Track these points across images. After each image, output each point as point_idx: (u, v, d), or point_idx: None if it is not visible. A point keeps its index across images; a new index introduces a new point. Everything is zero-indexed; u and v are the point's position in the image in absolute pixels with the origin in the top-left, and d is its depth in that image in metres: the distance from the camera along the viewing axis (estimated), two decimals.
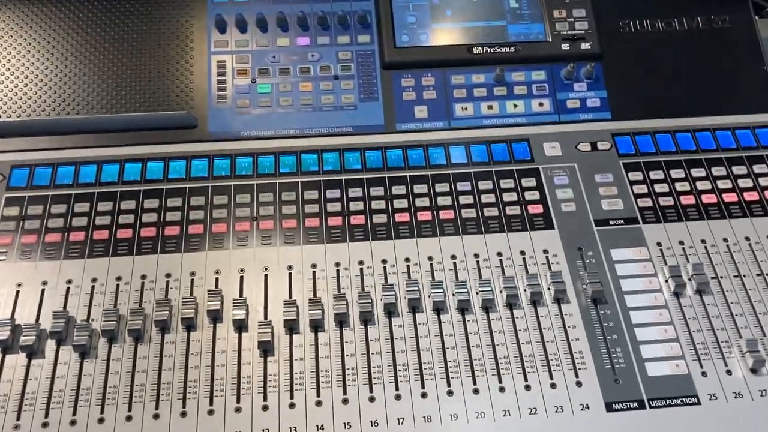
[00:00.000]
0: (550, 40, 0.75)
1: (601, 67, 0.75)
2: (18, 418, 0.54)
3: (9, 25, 0.73)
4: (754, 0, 0.99)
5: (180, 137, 0.70)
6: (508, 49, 0.74)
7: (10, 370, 0.56)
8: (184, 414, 0.55)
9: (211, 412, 0.55)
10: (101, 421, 0.54)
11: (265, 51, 0.74)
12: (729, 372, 0.58)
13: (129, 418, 0.54)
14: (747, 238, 0.65)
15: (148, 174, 0.68)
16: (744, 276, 0.63)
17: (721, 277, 0.63)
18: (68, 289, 0.61)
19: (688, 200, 0.67)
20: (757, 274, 0.63)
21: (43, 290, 0.61)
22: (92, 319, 0.59)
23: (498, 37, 0.75)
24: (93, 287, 0.61)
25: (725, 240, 0.65)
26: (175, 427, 0.54)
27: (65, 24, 0.73)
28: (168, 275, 0.62)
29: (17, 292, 0.61)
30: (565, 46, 0.75)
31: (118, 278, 0.61)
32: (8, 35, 0.73)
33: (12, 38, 0.73)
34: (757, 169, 0.70)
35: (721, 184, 0.69)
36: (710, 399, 0.56)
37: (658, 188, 0.68)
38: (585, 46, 0.75)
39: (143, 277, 0.61)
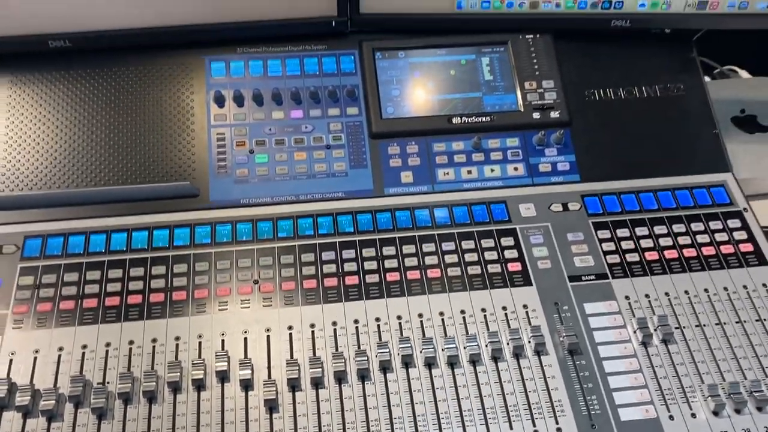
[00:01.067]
0: (522, 110, 0.82)
1: (569, 134, 0.82)
2: None
3: (20, 103, 0.78)
4: (705, 62, 1.08)
5: (183, 206, 0.75)
6: (484, 119, 0.81)
7: None
8: None
9: None
10: None
11: (262, 123, 0.80)
12: (693, 415, 0.64)
13: None
14: (706, 290, 0.72)
15: (155, 242, 0.72)
16: (704, 325, 0.69)
17: (684, 327, 0.69)
18: (83, 354, 0.65)
19: (652, 256, 0.74)
20: (716, 324, 0.69)
21: (59, 356, 0.65)
22: (108, 382, 0.63)
23: (474, 107, 0.82)
24: (107, 351, 0.65)
25: (686, 292, 0.72)
26: None
27: (74, 101, 0.78)
28: (177, 338, 0.66)
29: (35, 358, 0.65)
30: (536, 115, 0.82)
31: (131, 342, 0.66)
32: (20, 112, 0.78)
33: (23, 115, 0.78)
34: (713, 225, 0.77)
35: (681, 240, 0.75)
36: None
37: (625, 245, 0.75)
38: (554, 114, 0.82)
39: (154, 340, 0.66)
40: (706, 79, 1.05)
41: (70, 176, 0.76)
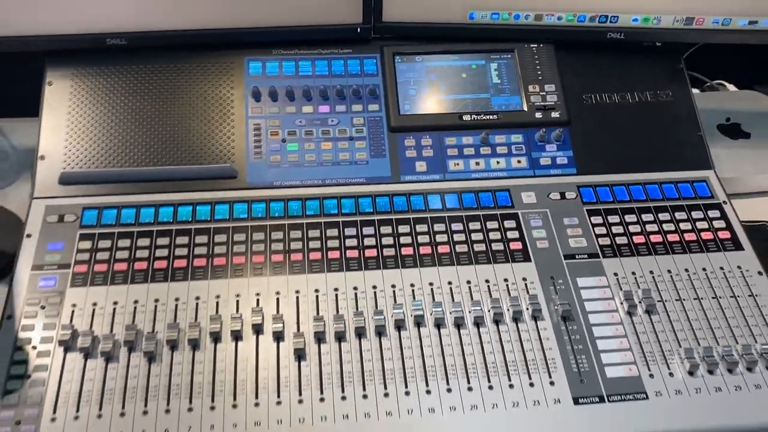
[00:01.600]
0: (526, 110, 0.91)
1: (568, 132, 0.91)
2: (100, 409, 0.67)
3: (81, 94, 0.88)
4: (697, 76, 1.18)
5: (223, 186, 0.85)
6: (491, 117, 0.91)
7: (92, 372, 0.69)
8: (234, 406, 0.67)
9: (257, 404, 0.68)
10: (167, 411, 0.67)
11: (293, 116, 0.90)
12: (671, 374, 0.72)
13: (190, 410, 0.67)
14: (686, 270, 0.80)
15: (198, 216, 0.82)
16: (684, 300, 0.78)
17: (666, 301, 0.78)
18: (135, 308, 0.74)
19: (639, 239, 0.83)
20: (694, 298, 0.78)
21: (114, 309, 0.74)
22: (156, 332, 0.72)
23: (483, 107, 0.91)
24: (156, 306, 0.74)
25: (669, 271, 0.80)
26: (228, 416, 0.67)
27: (128, 93, 0.89)
28: (218, 296, 0.75)
29: (93, 310, 0.74)
30: (538, 115, 0.91)
31: (176, 299, 0.75)
32: (80, 102, 0.88)
33: (83, 104, 0.88)
34: (695, 215, 0.85)
35: (666, 227, 0.84)
36: (656, 395, 0.70)
37: (615, 230, 0.83)
38: (554, 114, 0.91)
39: (197, 298, 0.75)
40: (696, 91, 1.16)
41: (123, 157, 0.85)
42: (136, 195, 0.83)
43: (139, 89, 0.89)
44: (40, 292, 0.75)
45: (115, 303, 0.74)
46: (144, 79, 0.90)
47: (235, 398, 0.68)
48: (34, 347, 0.70)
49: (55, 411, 0.66)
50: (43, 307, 0.73)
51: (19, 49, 0.90)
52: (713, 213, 0.86)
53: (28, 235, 0.79)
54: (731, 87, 1.19)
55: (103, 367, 0.70)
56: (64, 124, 0.87)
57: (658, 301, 0.77)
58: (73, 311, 0.73)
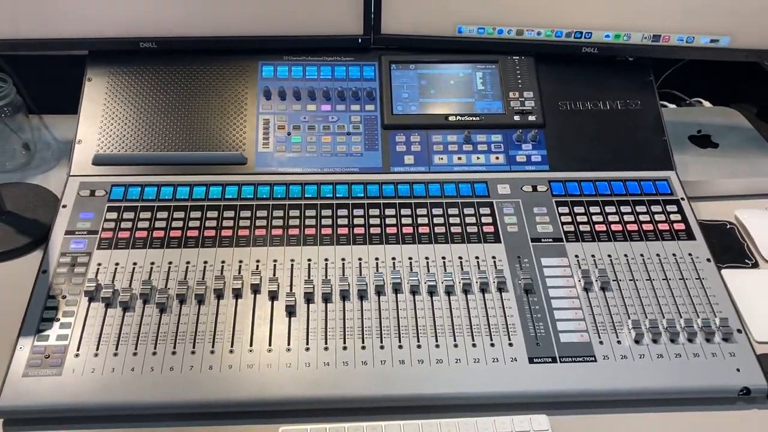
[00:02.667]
0: (506, 113, 1.02)
1: (543, 134, 1.01)
2: (116, 349, 0.78)
3: (115, 90, 1.01)
4: (676, 94, 1.28)
5: (234, 170, 0.96)
6: (474, 119, 1.01)
7: (111, 319, 0.80)
8: (231, 351, 0.78)
9: (251, 351, 0.78)
10: (173, 353, 0.78)
11: (298, 113, 1.01)
12: (619, 342, 0.81)
13: (193, 353, 0.77)
14: (641, 255, 0.89)
15: (210, 195, 0.93)
16: (637, 280, 0.87)
17: (620, 281, 0.86)
18: (151, 268, 0.85)
19: (600, 228, 0.92)
20: (646, 279, 0.87)
21: (133, 268, 0.85)
22: (168, 288, 0.83)
23: (468, 109, 1.02)
24: (169, 267, 0.85)
25: (625, 255, 0.89)
26: (225, 359, 0.77)
27: (156, 89, 1.01)
28: (223, 262, 0.86)
29: (115, 269, 0.85)
30: (516, 118, 1.02)
31: (188, 263, 0.86)
32: (114, 96, 1.01)
33: (117, 99, 1.01)
34: (654, 208, 0.94)
35: (626, 218, 0.93)
36: (604, 359, 0.79)
37: (579, 219, 0.93)
38: (531, 118, 1.02)
39: (205, 262, 0.86)
40: (673, 106, 1.26)
41: (149, 143, 0.98)
42: (157, 176, 0.95)
43: (165, 86, 1.02)
44: (71, 253, 0.86)
45: (134, 264, 0.86)
46: (170, 78, 1.02)
47: (232, 345, 0.78)
48: (64, 296, 0.82)
49: (78, 348, 0.78)
50: (73, 265, 0.85)
51: (64, 49, 1.04)
52: (671, 208, 0.95)
53: (64, 206, 0.91)
54: (707, 104, 1.29)
55: (121, 315, 0.81)
56: (99, 114, 1.00)
57: (613, 280, 0.86)
58: (98, 269, 0.85)
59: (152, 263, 0.86)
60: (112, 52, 1.03)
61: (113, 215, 0.91)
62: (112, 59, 1.03)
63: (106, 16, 1.00)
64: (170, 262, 0.86)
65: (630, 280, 0.87)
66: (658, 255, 0.89)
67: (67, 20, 1.00)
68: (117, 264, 0.86)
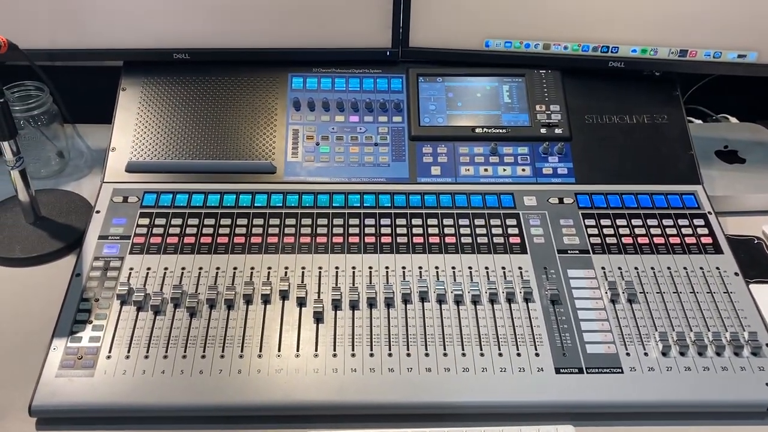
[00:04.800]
0: (532, 126, 1.03)
1: (569, 146, 1.02)
2: (147, 351, 0.79)
3: (149, 99, 1.04)
4: (702, 110, 1.28)
5: (263, 179, 0.98)
6: (501, 131, 1.02)
7: (142, 322, 0.82)
8: (260, 356, 0.79)
9: (279, 356, 0.79)
10: (203, 357, 0.79)
11: (327, 124, 1.03)
12: (646, 354, 0.80)
13: (222, 357, 0.78)
14: (668, 268, 0.89)
15: (240, 203, 0.95)
16: (664, 293, 0.86)
17: (647, 293, 0.86)
18: (182, 273, 0.87)
19: (627, 240, 0.92)
20: (674, 292, 0.86)
21: (164, 273, 0.87)
22: (199, 293, 0.85)
23: (494, 122, 1.03)
24: (200, 273, 0.87)
25: (652, 268, 0.89)
26: (254, 363, 0.78)
27: (189, 99, 1.04)
28: (252, 268, 0.87)
29: (147, 273, 0.87)
30: (543, 130, 1.02)
31: (217, 268, 0.87)
32: (148, 105, 1.03)
33: (151, 107, 1.03)
34: (681, 222, 0.94)
35: (653, 231, 0.93)
36: (630, 370, 0.79)
37: (606, 231, 0.93)
38: (558, 130, 1.03)
39: (235, 268, 0.87)
40: (700, 122, 1.26)
41: (181, 151, 1.00)
42: (189, 183, 0.97)
43: (198, 96, 1.04)
44: (104, 257, 0.88)
45: (166, 269, 0.87)
46: (203, 88, 1.05)
47: (260, 350, 0.79)
48: (97, 299, 0.84)
49: (110, 350, 0.79)
50: (105, 269, 0.87)
51: (99, 60, 1.07)
52: (698, 222, 0.95)
53: (97, 212, 0.94)
54: (733, 119, 1.28)
55: (152, 318, 0.82)
56: (133, 123, 1.02)
57: (640, 292, 0.86)
58: (130, 273, 0.87)
59: (183, 268, 0.87)
60: (147, 62, 1.06)
61: (145, 221, 0.92)
62: (146, 70, 1.06)
63: (140, 28, 1.02)
64: (200, 268, 0.87)
65: (657, 292, 0.87)
66: (685, 268, 0.89)
67: (103, 31, 1.03)
68: (149, 269, 0.87)
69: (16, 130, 0.91)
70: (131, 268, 0.87)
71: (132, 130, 1.01)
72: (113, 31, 1.03)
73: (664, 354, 0.80)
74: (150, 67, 1.06)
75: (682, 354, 0.80)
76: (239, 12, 1.02)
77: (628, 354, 0.80)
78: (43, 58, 1.04)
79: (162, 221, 0.93)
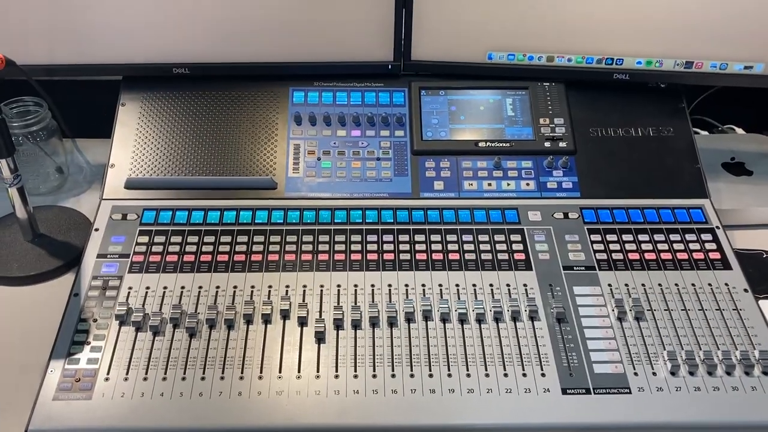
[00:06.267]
0: (536, 140, 1.01)
1: (574, 160, 1.01)
2: (146, 373, 0.78)
3: (148, 114, 1.03)
4: (708, 121, 1.26)
5: (264, 195, 0.97)
6: (504, 145, 1.01)
7: (141, 343, 0.80)
8: (260, 377, 0.77)
9: (280, 377, 0.77)
10: (203, 378, 0.77)
11: (328, 138, 1.02)
12: (654, 373, 0.79)
13: (222, 378, 0.77)
14: (676, 284, 0.87)
15: (240, 219, 0.94)
16: (672, 310, 0.85)
17: (655, 310, 0.85)
18: (182, 292, 0.85)
19: (634, 256, 0.91)
20: (682, 309, 0.85)
21: (164, 292, 0.85)
22: (198, 313, 0.83)
23: (498, 135, 1.02)
24: (199, 292, 0.85)
25: (659, 285, 0.87)
26: (254, 385, 0.76)
27: (189, 114, 1.03)
28: (252, 287, 0.86)
29: (146, 292, 0.85)
30: (547, 144, 1.01)
31: (217, 287, 0.86)
32: (148, 120, 1.02)
33: (150, 123, 1.02)
34: (688, 237, 0.93)
35: (660, 246, 0.92)
36: (639, 391, 0.77)
37: (612, 247, 0.91)
38: (562, 144, 1.01)
39: (235, 287, 0.86)
40: (705, 133, 1.24)
41: (180, 167, 0.99)
42: (188, 200, 0.96)
43: (198, 111, 1.03)
44: (102, 276, 0.87)
45: (165, 288, 0.86)
46: (203, 103, 1.04)
47: (261, 371, 0.78)
48: (95, 320, 0.82)
49: (108, 372, 0.78)
50: (104, 288, 0.86)
51: (98, 75, 1.06)
52: (706, 236, 0.93)
53: (96, 229, 0.92)
54: (740, 130, 1.27)
55: (151, 339, 0.81)
56: (132, 139, 1.01)
57: (647, 309, 0.85)
58: (129, 292, 0.85)
59: (182, 287, 0.86)
60: (146, 77, 1.05)
61: (144, 239, 0.91)
62: (145, 84, 1.05)
63: (140, 43, 1.02)
64: (200, 287, 0.86)
65: (665, 310, 0.85)
66: (693, 285, 0.88)
67: (102, 46, 1.02)
68: (148, 288, 0.86)
69: (14, 147, 0.90)
70: (130, 288, 0.86)
71: (131, 145, 1.00)
72: (112, 45, 1.02)
73: (672, 374, 0.79)
74: (149, 82, 1.05)
75: (691, 374, 0.79)
76: (239, 26, 1.01)
77: (636, 374, 0.79)
78: (42, 73, 1.03)
79: (161, 239, 0.91)
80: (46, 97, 1.03)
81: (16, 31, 0.99)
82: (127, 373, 0.77)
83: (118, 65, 1.03)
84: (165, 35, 1.01)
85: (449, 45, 1.04)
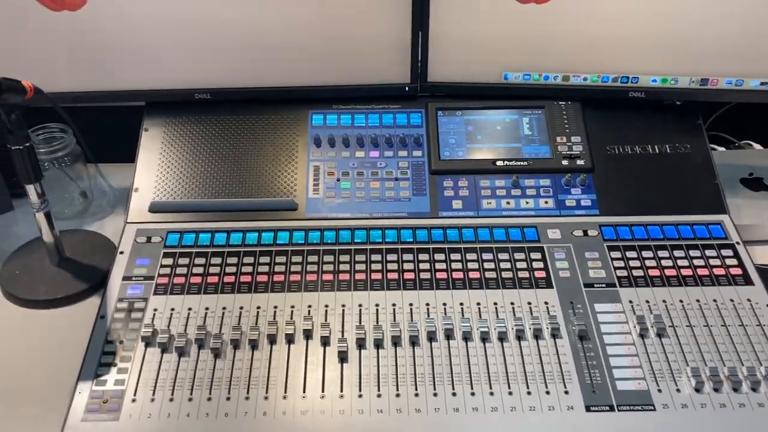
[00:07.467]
0: (554, 158, 1.02)
1: (592, 178, 1.01)
2: (172, 394, 0.79)
3: (171, 138, 1.05)
4: (725, 137, 1.27)
5: (285, 216, 0.98)
6: (522, 163, 1.02)
7: (167, 364, 0.81)
8: (285, 397, 0.78)
9: (304, 397, 0.78)
10: (228, 399, 0.78)
11: (347, 160, 1.03)
12: (678, 390, 0.79)
13: (247, 398, 0.78)
14: (698, 301, 0.87)
15: (262, 240, 0.95)
16: (694, 326, 0.85)
17: (677, 326, 0.85)
18: (206, 313, 0.87)
19: (654, 272, 0.91)
20: (704, 325, 0.85)
21: (188, 313, 0.87)
22: (222, 333, 0.84)
23: (515, 154, 1.03)
24: (223, 313, 0.87)
25: (681, 301, 0.88)
26: (279, 405, 0.77)
27: (211, 138, 1.04)
28: (275, 307, 0.87)
29: (171, 314, 0.87)
30: (564, 162, 1.02)
31: (241, 308, 0.87)
32: (171, 144, 1.04)
33: (173, 147, 1.04)
34: (708, 253, 0.93)
35: (680, 262, 0.92)
36: (663, 407, 0.77)
37: (632, 263, 0.92)
38: (580, 162, 1.02)
39: (258, 307, 0.87)
40: (723, 149, 1.24)
41: (203, 190, 1.00)
42: (211, 222, 0.97)
43: (219, 135, 1.05)
44: (128, 298, 0.88)
45: (189, 309, 0.87)
46: (224, 127, 1.06)
47: (285, 390, 0.79)
48: (121, 341, 0.84)
49: (135, 393, 0.79)
50: (130, 311, 0.87)
51: (122, 101, 1.08)
52: (726, 252, 0.93)
53: (121, 252, 0.94)
54: (757, 146, 1.27)
55: (177, 360, 0.82)
56: (156, 163, 1.03)
57: (669, 326, 0.85)
58: (154, 314, 0.87)
59: (207, 308, 0.87)
60: (168, 103, 1.07)
61: (169, 261, 0.93)
62: (167, 110, 1.07)
63: (162, 69, 1.04)
64: (224, 308, 0.87)
65: (687, 326, 0.85)
66: (715, 300, 0.88)
67: (125, 73, 1.04)
68: (173, 309, 0.87)
69: (41, 173, 0.92)
70: (155, 309, 0.87)
71: (155, 170, 1.02)
72: (135, 72, 1.04)
73: (697, 390, 0.78)
74: (172, 107, 1.07)
75: (716, 390, 0.78)
76: (259, 52, 1.03)
77: (659, 390, 0.79)
78: (67, 100, 1.05)
79: (185, 261, 0.93)
80: (72, 124, 1.05)
81: (41, 60, 1.02)
82: (153, 394, 0.78)
83: (142, 91, 1.06)
84: (187, 62, 1.03)
85: (465, 66, 1.05)
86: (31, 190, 0.91)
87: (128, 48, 1.02)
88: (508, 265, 0.92)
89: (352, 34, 1.02)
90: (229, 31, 1.01)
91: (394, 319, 0.85)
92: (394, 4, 0.99)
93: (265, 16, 1.00)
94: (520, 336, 0.84)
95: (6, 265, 1.00)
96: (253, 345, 0.83)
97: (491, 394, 0.78)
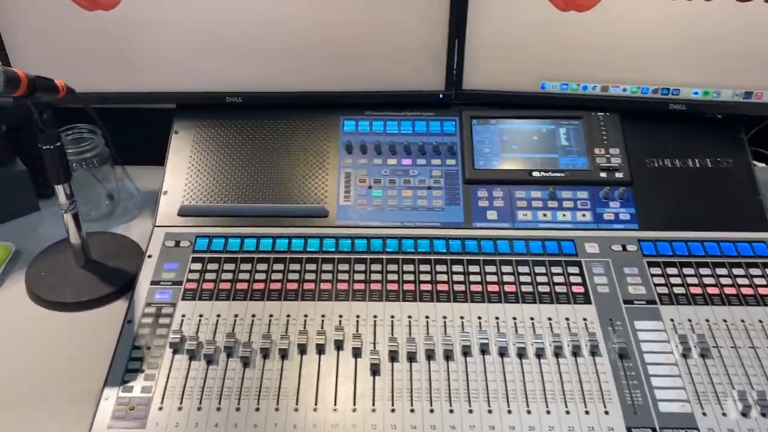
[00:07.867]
0: (591, 170, 1.00)
1: (631, 191, 0.98)
2: (200, 403, 0.77)
3: (202, 142, 1.03)
4: (762, 152, 1.23)
5: (316, 223, 0.96)
6: (559, 175, 0.99)
7: (195, 372, 0.79)
8: (315, 410, 0.76)
9: (335, 410, 0.76)
10: (257, 409, 0.76)
11: (379, 167, 1.01)
12: (724, 414, 0.75)
13: (276, 410, 0.76)
14: (742, 321, 0.84)
15: (293, 247, 0.93)
16: (739, 347, 0.82)
17: (721, 347, 0.82)
18: (235, 320, 0.85)
19: (696, 290, 0.88)
20: (749, 347, 0.82)
21: (217, 320, 0.85)
22: (252, 342, 0.82)
23: (552, 165, 1.00)
24: (252, 320, 0.85)
25: (725, 321, 0.84)
26: (309, 417, 0.75)
27: (242, 142, 1.03)
28: (306, 316, 0.85)
29: (199, 320, 0.85)
30: (602, 174, 0.99)
31: (270, 316, 0.85)
32: (201, 148, 1.03)
33: (204, 150, 1.02)
34: (752, 271, 0.90)
35: (723, 281, 0.89)
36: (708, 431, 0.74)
37: (673, 281, 0.89)
38: (618, 175, 0.99)
39: (288, 316, 0.85)
40: (762, 165, 1.21)
41: (233, 195, 0.99)
42: (241, 227, 0.96)
43: (250, 139, 1.03)
44: (156, 303, 0.87)
45: (218, 315, 0.85)
46: (255, 131, 1.04)
47: (316, 402, 0.76)
48: (149, 347, 0.82)
49: (162, 401, 0.77)
50: (157, 316, 0.85)
51: (152, 103, 1.07)
52: None
53: (149, 256, 0.92)
54: None
55: (205, 368, 0.80)
56: (185, 166, 1.01)
57: (713, 346, 0.82)
58: (182, 320, 0.85)
59: (236, 315, 0.85)
60: (199, 106, 1.06)
61: (197, 266, 0.91)
62: (198, 113, 1.06)
63: (193, 72, 1.03)
64: (254, 315, 0.85)
65: (731, 347, 0.82)
66: (760, 321, 0.85)
67: (156, 75, 1.03)
68: (201, 315, 0.85)
69: (71, 173, 0.91)
70: (183, 315, 0.85)
71: (184, 173, 1.01)
72: (166, 74, 1.03)
73: (744, 414, 0.75)
74: (202, 111, 1.06)
75: (763, 415, 0.75)
76: (291, 56, 1.01)
77: (704, 414, 0.76)
78: (97, 101, 1.04)
79: (214, 266, 0.91)
80: (101, 125, 1.04)
81: (73, 59, 1.01)
82: (180, 403, 0.77)
83: (173, 93, 1.05)
84: (218, 64, 1.02)
85: (501, 74, 1.03)
86: (60, 190, 0.90)
87: (160, 49, 1.00)
88: (545, 279, 0.89)
89: (387, 41, 1.00)
90: (262, 34, 0.99)
91: (428, 332, 0.83)
92: (431, 11, 0.97)
93: (300, 19, 0.98)
94: (558, 353, 0.81)
95: (32, 266, 0.99)
96: (283, 355, 0.81)
97: (528, 412, 0.76)
